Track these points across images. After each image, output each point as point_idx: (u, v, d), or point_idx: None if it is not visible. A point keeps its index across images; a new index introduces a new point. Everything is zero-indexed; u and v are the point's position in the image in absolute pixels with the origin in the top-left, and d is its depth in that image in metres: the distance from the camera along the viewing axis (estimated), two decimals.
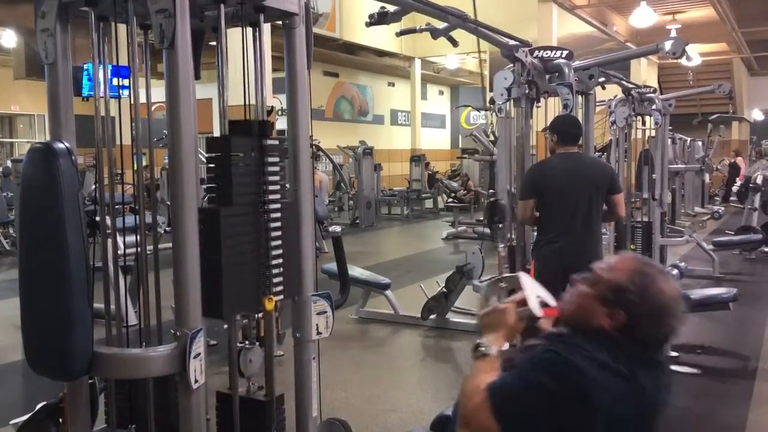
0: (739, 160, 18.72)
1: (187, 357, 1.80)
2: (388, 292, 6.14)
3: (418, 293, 6.19)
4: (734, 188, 16.14)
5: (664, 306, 1.55)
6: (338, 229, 4.80)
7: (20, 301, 1.88)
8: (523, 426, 1.50)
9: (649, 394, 1.55)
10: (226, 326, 2.15)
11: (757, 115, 26.09)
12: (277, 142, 2.11)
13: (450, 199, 15.20)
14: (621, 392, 1.50)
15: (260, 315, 2.16)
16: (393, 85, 22.20)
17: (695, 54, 16.82)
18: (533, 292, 1.74)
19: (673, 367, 4.79)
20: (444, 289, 5.81)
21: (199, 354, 1.84)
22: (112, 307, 2.26)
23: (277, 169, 2.11)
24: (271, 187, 2.09)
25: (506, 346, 1.67)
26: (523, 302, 1.72)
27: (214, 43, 2.12)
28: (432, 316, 5.84)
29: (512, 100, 4.72)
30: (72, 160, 1.83)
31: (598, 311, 1.59)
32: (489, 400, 1.51)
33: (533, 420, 1.49)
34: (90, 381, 2.09)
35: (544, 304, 1.73)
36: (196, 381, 1.84)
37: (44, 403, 2.30)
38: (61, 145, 1.84)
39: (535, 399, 1.48)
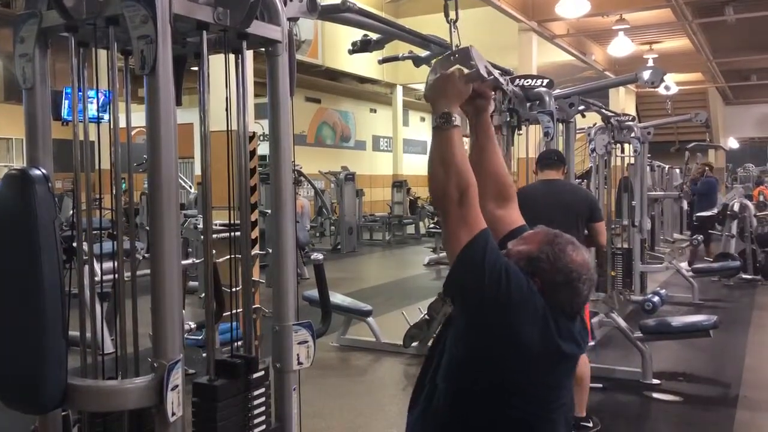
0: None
1: (164, 389, 1.75)
2: (370, 319, 6.09)
3: (400, 320, 6.14)
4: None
5: (575, 273, 1.62)
6: (320, 256, 4.75)
7: None
8: (467, 278, 1.59)
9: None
10: None
11: (732, 143, 26.57)
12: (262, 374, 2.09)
13: (432, 225, 15.19)
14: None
15: None
16: (375, 111, 22.30)
17: (672, 83, 17.08)
18: (482, 60, 1.80)
19: (655, 395, 4.80)
20: (426, 316, 5.76)
21: (176, 386, 1.79)
22: (88, 335, 2.21)
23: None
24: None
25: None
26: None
27: (195, 69, 2.10)
28: (414, 344, 5.78)
29: (493, 128, 4.77)
30: (48, 187, 1.79)
31: None
32: (468, 246, 1.59)
33: (473, 287, 1.58)
34: (63, 413, 2.03)
35: (489, 74, 1.80)
36: (173, 414, 1.78)
37: None
38: (37, 172, 1.80)
39: (492, 280, 1.56)
